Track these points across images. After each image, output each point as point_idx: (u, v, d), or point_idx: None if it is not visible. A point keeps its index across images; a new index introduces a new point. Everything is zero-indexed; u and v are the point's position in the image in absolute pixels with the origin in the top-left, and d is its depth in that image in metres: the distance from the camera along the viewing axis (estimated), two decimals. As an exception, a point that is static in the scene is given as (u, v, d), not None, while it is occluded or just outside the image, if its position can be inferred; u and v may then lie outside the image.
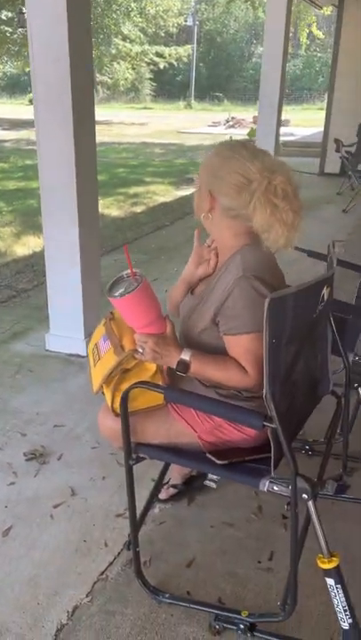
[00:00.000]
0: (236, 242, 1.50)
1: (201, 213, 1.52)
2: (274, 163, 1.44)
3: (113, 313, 1.63)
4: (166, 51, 22.94)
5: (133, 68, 23.48)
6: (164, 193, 7.88)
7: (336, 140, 7.23)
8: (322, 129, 9.44)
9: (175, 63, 24.00)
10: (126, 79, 24.09)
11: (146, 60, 22.53)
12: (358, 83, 8.53)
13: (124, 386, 1.47)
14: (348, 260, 2.43)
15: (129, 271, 1.44)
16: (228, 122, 18.81)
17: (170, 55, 22.97)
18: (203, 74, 33.20)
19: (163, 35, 23.61)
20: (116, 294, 1.41)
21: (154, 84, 30.12)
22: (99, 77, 22.26)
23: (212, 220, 1.52)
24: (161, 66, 23.39)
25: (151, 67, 24.78)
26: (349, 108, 8.51)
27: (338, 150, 7.24)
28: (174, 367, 1.46)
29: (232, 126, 18.11)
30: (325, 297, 1.47)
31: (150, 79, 29.54)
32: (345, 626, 1.37)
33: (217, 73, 33.28)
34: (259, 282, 1.41)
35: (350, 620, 1.36)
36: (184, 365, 1.45)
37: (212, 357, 1.47)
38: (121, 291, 1.42)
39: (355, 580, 1.68)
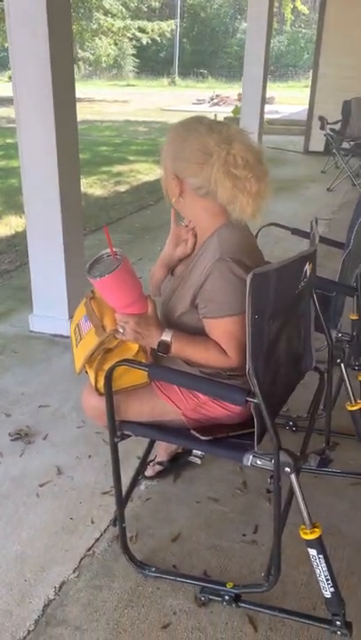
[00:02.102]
0: (213, 222, 1.48)
1: (172, 198, 1.50)
2: (231, 133, 1.42)
3: (93, 292, 1.62)
4: (149, 26, 22.45)
5: (116, 44, 23.02)
6: (148, 172, 7.79)
7: (321, 118, 7.18)
8: (307, 106, 9.36)
9: (158, 39, 23.50)
10: (108, 55, 23.63)
11: (128, 35, 22.05)
12: (343, 60, 8.45)
13: (107, 366, 1.46)
14: (333, 239, 2.44)
15: (109, 251, 1.42)
16: (212, 99, 18.58)
17: (153, 30, 22.49)
18: (187, 50, 32.64)
19: (145, 9, 23.12)
20: (96, 274, 1.39)
21: (137, 60, 29.57)
22: (80, 53, 21.79)
23: (185, 203, 1.49)
24: (144, 41, 22.92)
25: (134, 42, 24.30)
26: (334, 85, 8.44)
27: (322, 128, 7.19)
28: (155, 347, 1.46)
29: (217, 104, 17.89)
30: (308, 273, 1.48)
31: (133, 55, 28.99)
32: (327, 594, 1.41)
33: (201, 49, 32.74)
34: (236, 264, 1.40)
35: (332, 589, 1.39)
36: (165, 346, 1.45)
37: (193, 338, 1.47)
38: (101, 271, 1.40)
39: (336, 550, 1.72)
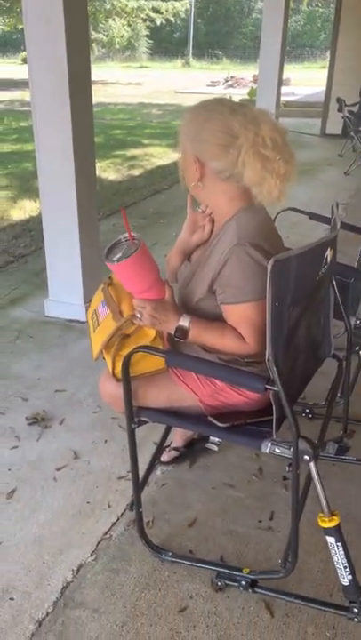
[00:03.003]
0: (231, 206, 1.46)
1: (191, 183, 1.46)
2: (256, 113, 1.39)
3: (111, 278, 1.61)
4: (163, 6, 22.14)
5: (129, 25, 22.76)
6: (162, 155, 7.73)
7: (338, 100, 7.05)
8: (324, 88, 9.19)
9: (172, 19, 23.22)
10: (122, 36, 23.38)
11: (142, 15, 21.79)
12: (361, 39, 8.27)
13: (125, 351, 1.46)
14: (350, 223, 2.39)
15: (127, 235, 1.41)
16: (227, 81, 18.32)
17: (167, 11, 22.19)
18: (201, 30, 32.17)
19: (159, -11, 22.77)
20: (114, 259, 1.38)
21: (150, 41, 29.22)
22: (94, 35, 21.55)
23: (205, 188, 1.46)
24: (158, 22, 22.64)
25: (147, 23, 23.98)
26: (352, 66, 8.28)
27: (340, 110, 7.07)
28: (173, 333, 1.45)
29: (231, 86, 17.64)
30: (328, 259, 1.45)
31: (147, 36, 28.63)
32: (345, 582, 1.41)
33: (215, 29, 32.25)
34: (254, 249, 1.37)
35: (350, 577, 1.39)
36: (182, 331, 1.43)
37: (211, 324, 1.45)
38: (119, 255, 1.38)
39: (353, 537, 1.72)
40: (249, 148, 1.34)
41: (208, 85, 18.09)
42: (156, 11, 21.87)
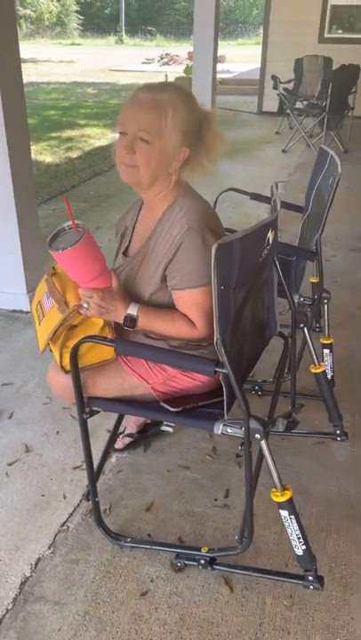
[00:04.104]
0: (172, 193, 1.46)
1: (159, 173, 1.41)
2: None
3: (55, 268, 1.57)
4: (92, -20, 21.47)
5: (58, 0, 21.91)
6: (100, 136, 7.56)
7: (273, 77, 7.09)
8: (259, 65, 9.21)
9: (103, -6, 22.54)
10: (51, 12, 22.53)
11: (71, -10, 21.03)
12: (294, 16, 8.32)
13: (72, 342, 1.43)
14: (290, 202, 2.43)
15: (70, 222, 1.37)
16: (162, 58, 18.06)
17: (97, -15, 21.51)
18: (132, 6, 31.43)
19: None
20: (58, 247, 1.34)
21: (81, 17, 28.29)
22: (21, 10, 20.66)
23: (166, 177, 1.43)
24: (87, -3, 21.94)
25: (77, -2, 23.20)
26: (286, 42, 8.32)
27: (275, 88, 7.12)
28: (121, 322, 1.43)
29: (167, 63, 17.41)
30: (270, 240, 1.47)
31: (77, 12, 27.71)
32: (299, 552, 1.46)
33: (147, 5, 31.62)
34: (207, 232, 1.39)
35: (304, 547, 1.44)
36: (131, 320, 1.42)
37: (160, 311, 1.45)
38: (63, 244, 1.35)
39: (305, 508, 1.78)
40: (214, 127, 1.43)
41: (143, 63, 17.77)
42: (85, -15, 21.20)
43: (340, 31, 9.00)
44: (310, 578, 1.48)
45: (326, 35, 8.63)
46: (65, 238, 1.35)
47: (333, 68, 6.84)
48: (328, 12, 8.50)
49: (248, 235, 1.30)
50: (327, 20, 8.55)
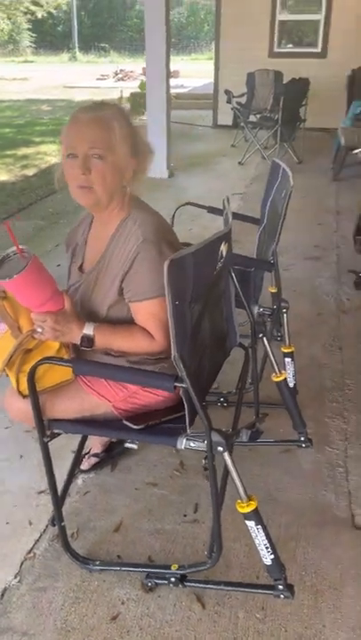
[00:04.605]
0: (124, 207, 1.47)
1: (114, 188, 1.42)
2: None
3: (5, 292, 1.54)
4: (43, -1, 21.49)
5: (9, 18, 21.82)
6: (56, 153, 7.50)
7: (227, 92, 7.21)
8: (212, 80, 9.36)
9: (54, 12, 22.55)
10: (2, 30, 22.38)
11: (21, 9, 20.99)
12: (244, 31, 8.49)
13: (28, 366, 1.40)
14: (245, 214, 2.46)
15: (15, 249, 1.35)
16: (117, 74, 18.13)
17: (47, 3, 21.53)
18: (85, 23, 31.49)
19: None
20: (4, 276, 1.30)
21: (33, 34, 28.19)
22: (-29, 29, 20.49)
23: (120, 191, 1.45)
24: (39, 15, 21.91)
25: (28, 16, 23.14)
26: (237, 56, 8.46)
27: (229, 101, 7.24)
28: (78, 343, 1.42)
29: (122, 79, 17.48)
30: (224, 253, 1.48)
31: (29, 29, 27.61)
32: (267, 561, 1.45)
33: (100, 22, 31.75)
34: (164, 244, 1.40)
35: (272, 556, 1.44)
36: (88, 340, 1.41)
37: (117, 327, 1.44)
38: (9, 271, 1.31)
39: (273, 518, 1.79)
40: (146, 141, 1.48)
41: (98, 79, 17.79)
42: (35, 4, 21.13)
43: (290, 45, 9.23)
44: (280, 587, 1.47)
45: (276, 49, 8.83)
46: (10, 265, 1.32)
47: (284, 82, 7.00)
48: (276, 26, 8.71)
49: (201, 249, 1.31)
50: (276, 34, 8.76)
